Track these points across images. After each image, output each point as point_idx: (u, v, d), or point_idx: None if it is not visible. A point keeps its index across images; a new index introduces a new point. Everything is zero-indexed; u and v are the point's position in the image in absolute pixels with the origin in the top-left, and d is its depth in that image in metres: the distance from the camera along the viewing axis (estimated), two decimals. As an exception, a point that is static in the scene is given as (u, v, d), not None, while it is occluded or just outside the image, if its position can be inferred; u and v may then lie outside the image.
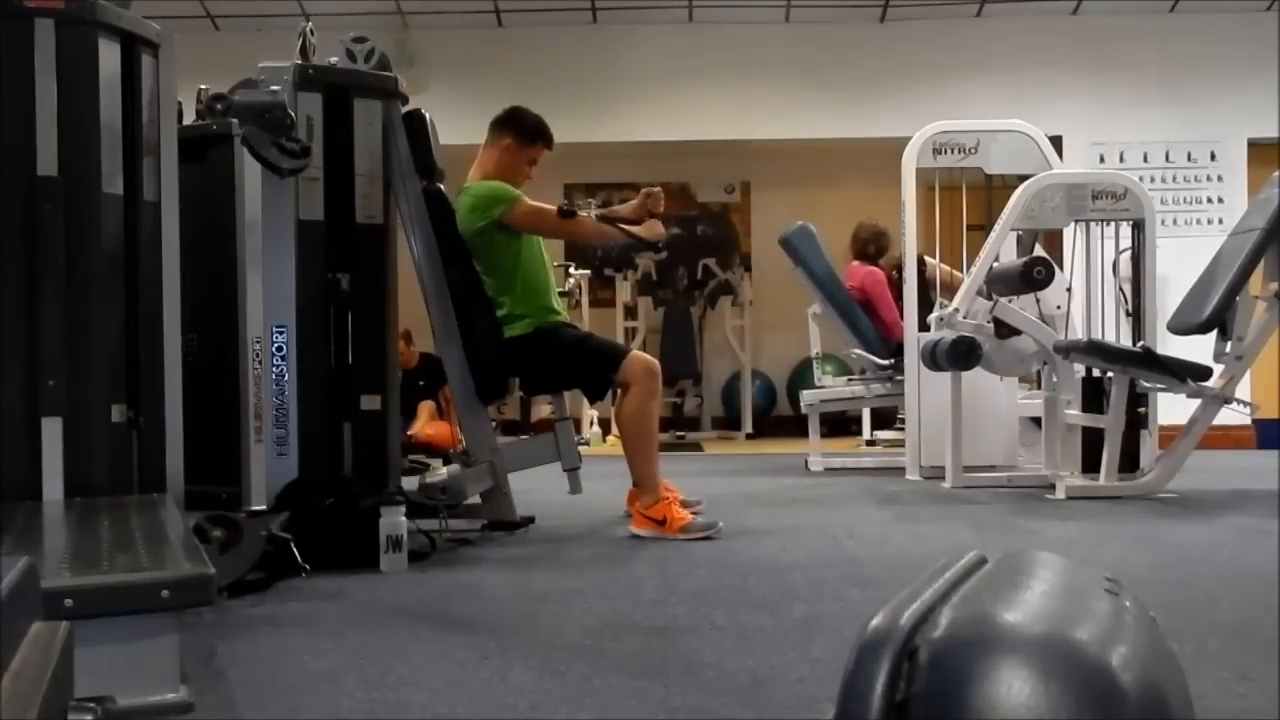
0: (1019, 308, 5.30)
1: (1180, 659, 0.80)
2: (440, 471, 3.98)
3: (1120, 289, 5.73)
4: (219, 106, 3.42)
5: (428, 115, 4.06)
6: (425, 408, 7.51)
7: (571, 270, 8.69)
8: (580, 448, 4.44)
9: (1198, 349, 5.20)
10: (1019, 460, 5.91)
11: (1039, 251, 5.66)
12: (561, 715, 1.98)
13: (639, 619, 2.73)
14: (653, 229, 4.32)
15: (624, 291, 9.33)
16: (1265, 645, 2.40)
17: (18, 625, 0.83)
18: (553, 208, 4.24)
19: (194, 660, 2.28)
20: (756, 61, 8.21)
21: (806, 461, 6.50)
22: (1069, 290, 5.52)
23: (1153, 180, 7.75)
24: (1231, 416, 5.50)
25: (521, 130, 4.28)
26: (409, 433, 6.73)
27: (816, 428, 6.52)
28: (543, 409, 7.09)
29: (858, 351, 6.52)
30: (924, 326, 5.68)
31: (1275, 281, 5.01)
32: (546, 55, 8.16)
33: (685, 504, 4.17)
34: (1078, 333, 5.57)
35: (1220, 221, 7.74)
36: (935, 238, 6.32)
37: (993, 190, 6.06)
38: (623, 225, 4.30)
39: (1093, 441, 5.13)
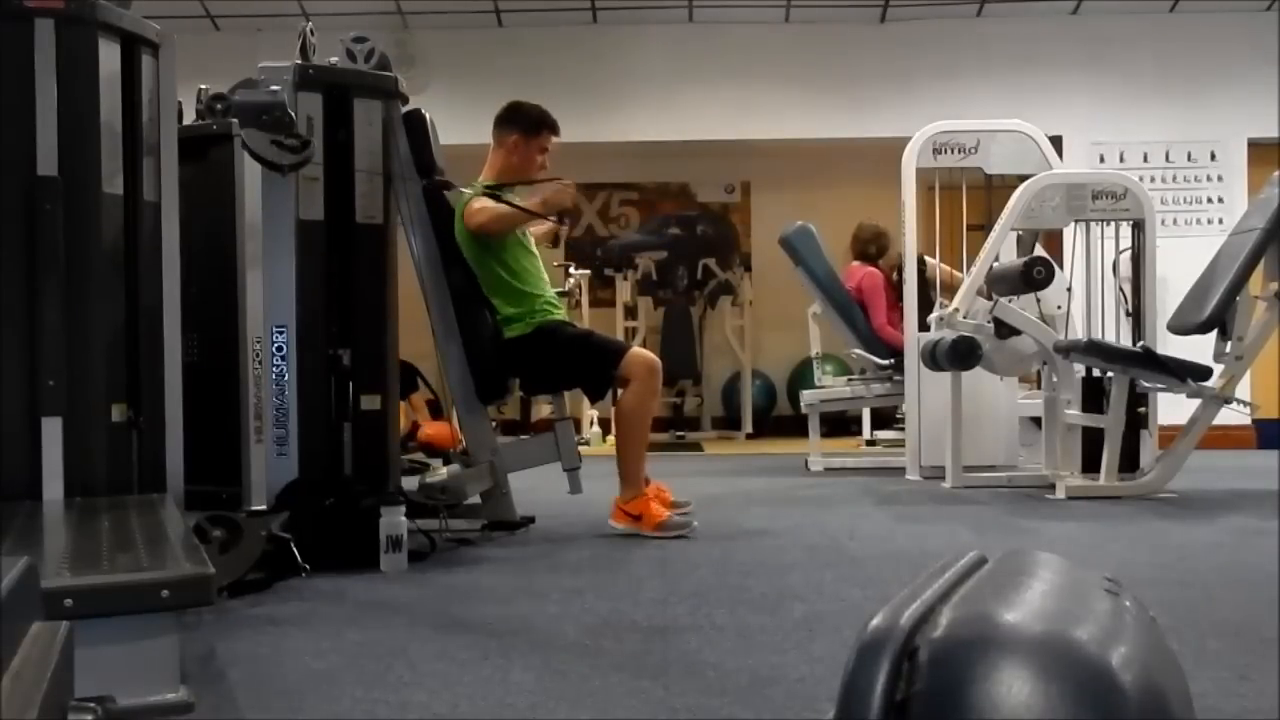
0: (1019, 308, 5.30)
1: (1180, 659, 0.80)
2: (440, 471, 3.98)
3: (1120, 289, 5.73)
4: (219, 106, 3.43)
5: (428, 115, 4.05)
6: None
7: (571, 270, 8.68)
8: (580, 447, 4.44)
9: (1198, 349, 5.20)
10: (1019, 460, 5.91)
11: (1039, 251, 5.66)
12: (561, 715, 1.98)
13: (639, 619, 2.73)
14: (553, 198, 4.03)
15: (624, 291, 9.33)
16: (1265, 645, 2.40)
17: (18, 625, 0.83)
18: (489, 202, 4.09)
19: (194, 660, 2.29)
20: (756, 61, 8.21)
21: (806, 461, 6.50)
22: (1069, 290, 5.52)
23: (1153, 180, 7.75)
24: (1231, 416, 5.50)
25: (526, 122, 4.28)
26: None
27: (816, 428, 6.52)
28: (543, 409, 7.09)
29: (858, 351, 6.52)
30: (924, 326, 5.68)
31: (1275, 281, 5.01)
32: (546, 55, 8.16)
33: (675, 504, 4.18)
34: (1078, 333, 5.57)
35: (1220, 221, 7.75)
36: (935, 238, 6.32)
37: (993, 190, 6.06)
38: (514, 204, 4.05)
39: (1093, 441, 5.13)
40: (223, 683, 2.20)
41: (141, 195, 2.86)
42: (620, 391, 4.19)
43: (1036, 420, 5.84)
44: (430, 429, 7.39)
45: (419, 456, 6.60)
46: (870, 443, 7.61)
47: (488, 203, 4.07)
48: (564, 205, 4.10)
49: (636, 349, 4.29)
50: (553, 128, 4.30)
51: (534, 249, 4.32)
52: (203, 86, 3.81)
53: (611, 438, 8.22)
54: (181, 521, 2.27)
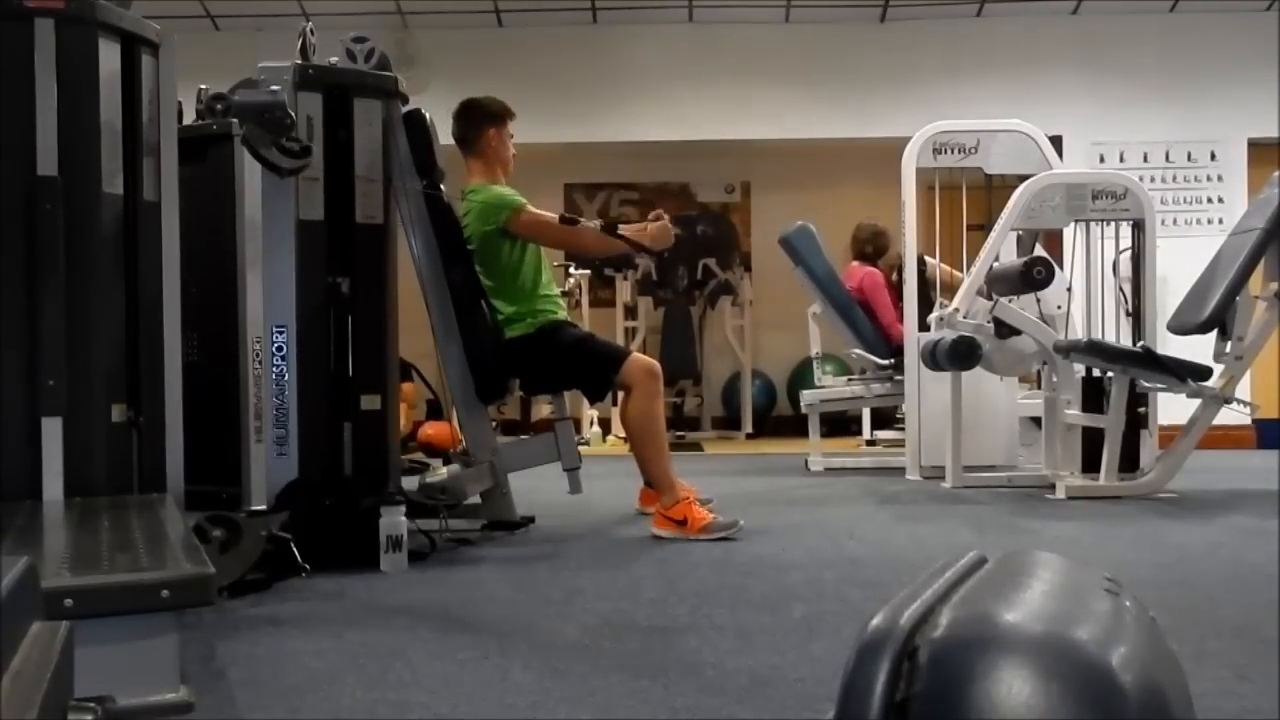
0: (1019, 308, 5.30)
1: (1180, 659, 0.80)
2: (440, 471, 3.98)
3: (1120, 289, 5.73)
4: (219, 106, 3.42)
5: (428, 115, 4.05)
6: None
7: (571, 270, 8.68)
8: (580, 448, 4.44)
9: (1198, 349, 5.20)
10: (1019, 460, 5.91)
11: (1039, 251, 5.66)
12: (561, 715, 1.98)
13: (639, 619, 2.73)
14: (659, 235, 4.21)
15: (624, 291, 9.32)
16: (1265, 645, 2.40)
17: (18, 625, 0.83)
18: (554, 216, 4.24)
19: (194, 660, 2.28)
20: (756, 61, 8.21)
21: (806, 461, 6.50)
22: (1069, 290, 5.52)
23: (1153, 180, 7.75)
24: (1231, 416, 5.50)
25: (495, 115, 4.32)
26: None
27: (816, 428, 6.52)
28: (543, 409, 7.09)
29: (858, 351, 6.52)
30: (924, 326, 5.68)
31: (1275, 281, 5.01)
32: (546, 55, 8.16)
33: (702, 503, 4.16)
34: (1078, 333, 5.57)
35: (1220, 221, 7.74)
36: (935, 238, 6.32)
37: (993, 190, 6.06)
38: (626, 237, 4.23)
39: (1093, 441, 5.13)
40: (223, 683, 2.20)
41: (141, 195, 2.86)
42: (622, 398, 4.20)
43: (1036, 420, 5.84)
44: (430, 429, 7.39)
45: (419, 456, 6.60)
46: (870, 443, 7.61)
47: (539, 214, 4.20)
48: (669, 242, 4.26)
49: (635, 355, 4.30)
50: (511, 113, 4.37)
51: (539, 249, 4.33)
52: (203, 86, 3.81)
53: (612, 438, 8.27)
54: (181, 521, 2.27)
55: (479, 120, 4.30)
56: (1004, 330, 5.29)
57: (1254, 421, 7.13)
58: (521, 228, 4.16)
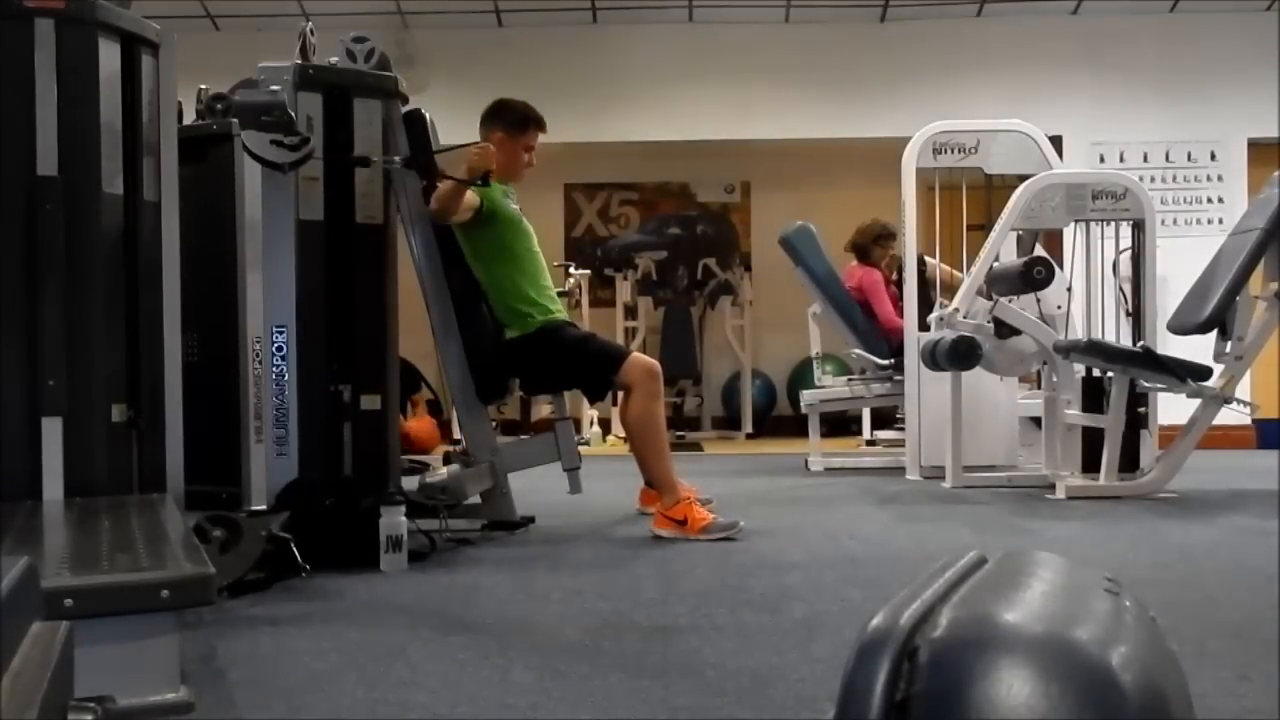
0: (1019, 308, 5.30)
1: (1180, 659, 0.80)
2: (440, 471, 3.98)
3: (1120, 289, 5.73)
4: (219, 106, 3.42)
5: (428, 115, 4.05)
6: None
7: (571, 270, 8.68)
8: (580, 448, 4.44)
9: (1198, 349, 5.20)
10: (1019, 460, 5.91)
11: (1039, 251, 5.66)
12: (561, 715, 1.98)
13: (639, 619, 2.73)
14: (475, 161, 3.89)
15: (624, 291, 9.33)
16: (1265, 645, 2.40)
17: (18, 625, 0.84)
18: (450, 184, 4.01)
19: (194, 660, 2.29)
20: (756, 61, 8.21)
21: (806, 461, 6.50)
22: (1069, 290, 5.52)
23: (1153, 180, 7.75)
24: (1231, 416, 5.50)
25: (511, 120, 4.27)
26: None
27: (816, 428, 6.52)
28: (543, 409, 7.09)
29: (858, 351, 6.52)
30: (924, 326, 5.68)
31: (1275, 281, 5.01)
32: (546, 55, 8.16)
33: (702, 503, 4.16)
34: (1078, 333, 5.57)
35: (1220, 221, 7.75)
36: (935, 238, 6.33)
37: (993, 190, 6.06)
38: (452, 178, 3.95)
39: (1093, 441, 5.13)
40: (223, 683, 2.20)
41: (141, 195, 2.86)
42: (622, 398, 4.19)
43: (1036, 420, 5.84)
44: (412, 424, 7.35)
45: (420, 457, 6.59)
46: (870, 443, 7.61)
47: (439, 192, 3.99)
48: (488, 167, 3.93)
49: (635, 355, 4.29)
50: (539, 124, 4.29)
51: (536, 249, 4.31)
52: (203, 86, 3.80)
53: (612, 438, 8.27)
54: (181, 521, 2.27)
55: (492, 120, 4.27)
56: (1004, 330, 5.29)
57: (1254, 421, 7.13)
58: (433, 207, 3.99)
